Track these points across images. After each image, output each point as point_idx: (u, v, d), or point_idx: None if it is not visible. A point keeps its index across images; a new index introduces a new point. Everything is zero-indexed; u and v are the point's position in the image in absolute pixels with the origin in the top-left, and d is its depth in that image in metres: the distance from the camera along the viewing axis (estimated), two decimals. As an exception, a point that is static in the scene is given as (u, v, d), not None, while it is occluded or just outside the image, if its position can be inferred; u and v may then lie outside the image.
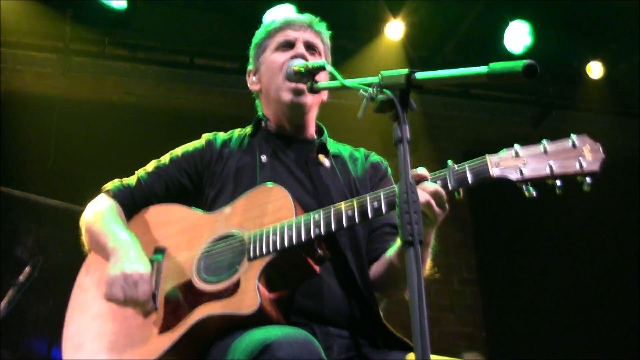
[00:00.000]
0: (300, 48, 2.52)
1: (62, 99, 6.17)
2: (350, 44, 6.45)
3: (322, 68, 2.32)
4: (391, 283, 2.37)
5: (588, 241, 6.90)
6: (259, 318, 1.99)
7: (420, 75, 1.73)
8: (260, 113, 2.65)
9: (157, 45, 6.59)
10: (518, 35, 6.28)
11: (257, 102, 2.70)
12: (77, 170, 5.62)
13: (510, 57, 6.13)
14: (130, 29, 6.29)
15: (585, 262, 6.91)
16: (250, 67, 2.69)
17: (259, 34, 2.67)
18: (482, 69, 1.66)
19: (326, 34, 2.64)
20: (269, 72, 2.55)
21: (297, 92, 2.46)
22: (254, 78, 2.66)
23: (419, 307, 1.48)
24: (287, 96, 2.47)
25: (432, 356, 1.48)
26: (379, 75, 1.77)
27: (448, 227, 7.00)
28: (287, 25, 2.58)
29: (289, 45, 2.55)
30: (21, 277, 3.49)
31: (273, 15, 5.79)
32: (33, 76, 6.39)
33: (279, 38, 2.57)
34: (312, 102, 2.53)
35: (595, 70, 7.05)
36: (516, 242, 6.90)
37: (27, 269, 3.52)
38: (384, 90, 1.74)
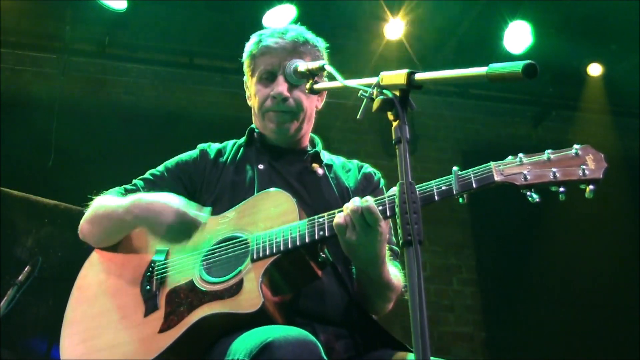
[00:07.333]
0: (279, 86, 2.48)
1: (62, 99, 6.17)
2: (350, 44, 6.45)
3: (321, 69, 2.32)
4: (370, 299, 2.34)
5: (588, 241, 6.89)
6: (260, 318, 1.99)
7: (420, 75, 1.73)
8: (254, 125, 2.66)
9: (157, 45, 6.60)
10: (518, 36, 6.29)
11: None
12: (77, 170, 5.63)
13: (509, 57, 6.14)
14: (130, 29, 6.31)
15: (585, 262, 6.91)
16: (245, 77, 2.68)
17: (248, 48, 2.60)
18: (481, 70, 1.65)
19: (315, 44, 2.55)
20: (254, 100, 2.59)
21: (280, 120, 2.50)
22: (247, 92, 2.69)
23: (419, 307, 1.48)
24: (270, 125, 2.52)
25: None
26: (379, 75, 1.77)
27: (448, 227, 7.09)
28: (267, 51, 2.50)
29: (270, 75, 2.52)
30: (21, 277, 3.49)
31: (271, 19, 5.79)
32: (33, 76, 6.39)
33: (262, 66, 2.52)
34: (299, 122, 2.53)
35: (594, 70, 7.07)
36: (516, 243, 6.90)
37: (27, 269, 3.52)
38: (384, 90, 1.74)
